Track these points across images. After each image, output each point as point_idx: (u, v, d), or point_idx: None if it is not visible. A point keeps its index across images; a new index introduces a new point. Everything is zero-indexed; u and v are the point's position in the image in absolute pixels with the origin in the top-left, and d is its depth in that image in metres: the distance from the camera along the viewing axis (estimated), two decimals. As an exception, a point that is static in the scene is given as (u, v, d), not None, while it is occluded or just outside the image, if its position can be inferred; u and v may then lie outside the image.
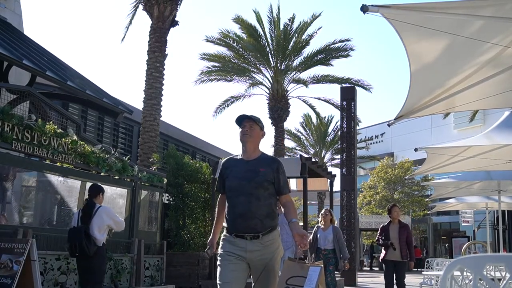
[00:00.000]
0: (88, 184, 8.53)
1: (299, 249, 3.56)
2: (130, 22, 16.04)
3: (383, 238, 8.18)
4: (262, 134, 3.85)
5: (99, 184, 6.68)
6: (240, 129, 3.78)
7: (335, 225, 8.60)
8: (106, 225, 6.17)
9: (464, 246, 17.94)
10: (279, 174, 3.73)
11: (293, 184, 18.30)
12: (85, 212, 6.16)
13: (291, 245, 8.14)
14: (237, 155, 3.88)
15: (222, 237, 3.74)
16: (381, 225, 8.48)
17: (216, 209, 3.96)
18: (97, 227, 6.03)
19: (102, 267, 6.27)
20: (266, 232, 3.64)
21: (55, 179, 8.46)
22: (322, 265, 3.57)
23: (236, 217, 3.63)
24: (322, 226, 8.39)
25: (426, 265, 12.81)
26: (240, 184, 3.65)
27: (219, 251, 3.72)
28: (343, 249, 8.17)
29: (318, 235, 8.31)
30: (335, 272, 8.49)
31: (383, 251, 8.24)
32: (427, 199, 24.48)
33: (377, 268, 29.12)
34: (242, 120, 3.78)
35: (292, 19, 21.62)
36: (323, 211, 8.76)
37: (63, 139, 7.95)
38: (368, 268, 30.71)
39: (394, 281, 8.13)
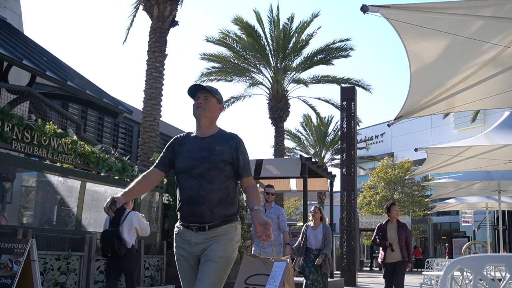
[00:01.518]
0: (88, 184, 8.55)
1: (263, 241, 3.05)
2: (131, 24, 16.05)
3: (380, 237, 7.74)
4: (220, 107, 3.32)
5: None
6: (194, 102, 3.25)
7: (326, 223, 8.09)
8: (134, 228, 6.65)
9: (464, 246, 17.94)
10: (239, 153, 3.19)
11: (293, 184, 18.32)
12: (115, 216, 6.38)
13: (277, 244, 7.39)
14: (193, 132, 3.35)
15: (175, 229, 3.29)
16: (378, 224, 8.00)
17: (139, 177, 3.35)
18: (126, 230, 6.50)
19: (133, 266, 6.73)
20: (215, 224, 3.08)
21: (55, 179, 8.46)
22: (288, 260, 3.10)
23: (184, 202, 3.13)
24: (312, 225, 7.88)
25: (426, 265, 12.81)
26: (192, 164, 3.13)
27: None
28: (327, 246, 7.65)
29: (308, 234, 7.80)
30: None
31: (381, 252, 7.79)
32: (427, 199, 24.48)
33: (377, 269, 29.12)
34: (196, 91, 3.25)
35: (291, 19, 21.65)
36: (312, 208, 8.20)
37: (63, 139, 7.95)
38: (368, 268, 30.71)
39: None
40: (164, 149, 3.39)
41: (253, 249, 7.29)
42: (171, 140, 3.39)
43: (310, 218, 8.06)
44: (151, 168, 3.41)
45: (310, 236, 7.77)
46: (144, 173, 3.39)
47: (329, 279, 12.12)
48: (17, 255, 6.07)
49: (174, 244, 3.25)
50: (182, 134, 3.38)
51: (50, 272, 7.30)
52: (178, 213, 3.20)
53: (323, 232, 7.71)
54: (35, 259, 6.19)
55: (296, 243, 7.95)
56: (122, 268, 6.56)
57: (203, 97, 3.21)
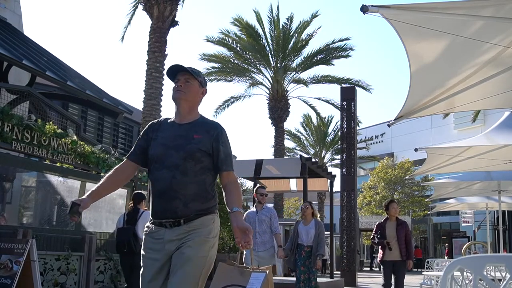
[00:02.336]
0: (88, 184, 8.55)
1: (242, 247, 2.73)
2: (129, 22, 16.07)
3: (378, 236, 7.49)
4: (203, 91, 3.00)
5: (141, 192, 7.37)
6: (174, 85, 2.94)
7: (318, 219, 7.80)
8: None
9: (464, 246, 17.94)
10: (220, 144, 2.86)
11: (293, 184, 18.32)
12: (130, 215, 6.99)
13: (270, 246, 7.08)
14: (171, 118, 3.02)
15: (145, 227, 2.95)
16: (377, 222, 7.76)
17: (110, 172, 3.00)
18: (141, 228, 6.59)
19: None
20: (191, 217, 2.77)
21: (55, 179, 8.46)
22: (268, 271, 2.72)
23: (155, 196, 2.81)
24: (303, 221, 7.60)
25: (426, 265, 12.81)
26: (166, 153, 2.80)
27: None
28: (320, 245, 7.36)
29: (299, 230, 7.50)
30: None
31: (380, 251, 7.54)
32: (427, 199, 24.48)
33: (377, 269, 29.12)
34: (176, 73, 2.93)
35: (290, 19, 21.69)
36: (302, 204, 7.94)
37: (63, 139, 7.95)
38: (368, 268, 30.72)
39: (392, 281, 7.54)
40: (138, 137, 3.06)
41: (244, 253, 7.03)
42: (146, 126, 3.07)
43: (301, 214, 7.80)
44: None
45: (302, 232, 7.49)
46: (117, 165, 3.04)
47: (329, 279, 12.09)
48: (17, 255, 6.07)
49: (142, 247, 2.88)
50: (159, 120, 3.05)
51: (50, 272, 7.30)
52: (151, 209, 2.87)
53: (315, 228, 7.42)
54: (35, 259, 6.18)
55: (288, 243, 7.74)
56: (134, 265, 6.63)
57: (184, 79, 2.91)
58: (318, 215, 8.52)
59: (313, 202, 9.70)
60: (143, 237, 2.90)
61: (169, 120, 2.99)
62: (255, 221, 6.89)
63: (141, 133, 3.05)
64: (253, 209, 7.20)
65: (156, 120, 3.06)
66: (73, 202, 2.76)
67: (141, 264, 2.86)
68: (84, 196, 2.86)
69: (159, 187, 2.79)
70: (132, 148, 3.02)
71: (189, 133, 2.85)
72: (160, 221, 2.79)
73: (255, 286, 2.64)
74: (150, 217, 2.88)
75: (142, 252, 2.87)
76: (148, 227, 2.89)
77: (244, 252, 6.97)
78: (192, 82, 2.93)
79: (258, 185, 7.61)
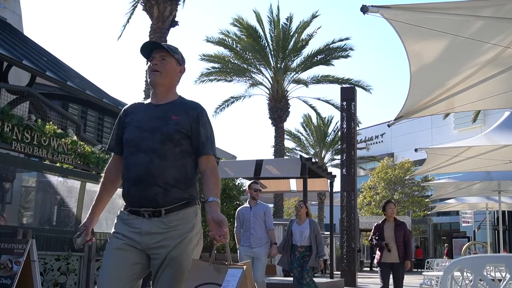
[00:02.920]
0: (88, 184, 8.55)
1: (217, 241, 2.50)
2: (128, 21, 16.11)
3: (377, 238, 7.32)
4: (181, 70, 2.77)
5: None
6: (148, 63, 2.71)
7: (312, 218, 7.67)
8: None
9: (464, 246, 17.94)
10: (200, 125, 2.64)
11: (293, 184, 18.33)
12: None
13: (265, 242, 6.88)
14: (147, 100, 2.80)
15: (118, 213, 2.72)
16: (375, 224, 7.58)
17: (101, 179, 2.82)
18: None
19: None
20: (172, 208, 2.54)
21: (55, 180, 8.46)
22: (245, 267, 2.51)
23: (131, 183, 2.58)
24: (297, 220, 7.48)
25: (426, 265, 12.81)
26: (142, 136, 2.59)
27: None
28: (320, 246, 7.22)
29: (293, 230, 7.38)
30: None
31: (378, 253, 7.34)
32: (427, 200, 24.49)
33: (377, 269, 29.11)
34: (151, 51, 2.71)
35: (290, 19, 21.71)
36: (296, 203, 7.77)
37: (63, 139, 7.95)
38: (368, 269, 30.72)
39: (391, 282, 7.34)
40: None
41: (238, 250, 6.94)
42: (120, 112, 2.83)
43: (295, 213, 7.59)
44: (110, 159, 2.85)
45: (296, 232, 7.33)
46: (105, 169, 2.84)
47: (329, 280, 12.10)
48: (17, 256, 6.07)
49: (113, 231, 2.61)
50: (133, 103, 2.83)
51: (50, 273, 7.30)
52: (123, 195, 2.64)
53: (310, 228, 7.26)
54: (35, 259, 6.18)
55: (282, 241, 7.60)
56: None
57: (159, 57, 2.67)
58: (313, 215, 8.46)
59: (313, 202, 9.64)
60: (115, 221, 2.67)
61: (145, 102, 2.78)
62: (250, 217, 6.81)
63: (116, 121, 2.82)
64: (246, 205, 7.08)
65: (129, 104, 2.82)
66: (78, 233, 2.65)
67: (107, 251, 2.59)
68: (85, 220, 2.73)
69: (136, 173, 2.55)
70: (112, 140, 2.78)
71: (167, 114, 2.62)
72: (138, 209, 2.55)
73: (231, 284, 2.42)
74: (125, 204, 2.64)
75: (112, 237, 2.60)
76: (122, 212, 2.65)
77: (238, 250, 6.91)
78: (169, 60, 2.69)
79: (251, 181, 7.40)
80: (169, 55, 2.68)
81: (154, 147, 2.56)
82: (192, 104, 2.73)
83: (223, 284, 2.42)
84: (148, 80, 2.70)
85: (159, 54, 2.67)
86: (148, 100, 2.76)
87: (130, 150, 2.61)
